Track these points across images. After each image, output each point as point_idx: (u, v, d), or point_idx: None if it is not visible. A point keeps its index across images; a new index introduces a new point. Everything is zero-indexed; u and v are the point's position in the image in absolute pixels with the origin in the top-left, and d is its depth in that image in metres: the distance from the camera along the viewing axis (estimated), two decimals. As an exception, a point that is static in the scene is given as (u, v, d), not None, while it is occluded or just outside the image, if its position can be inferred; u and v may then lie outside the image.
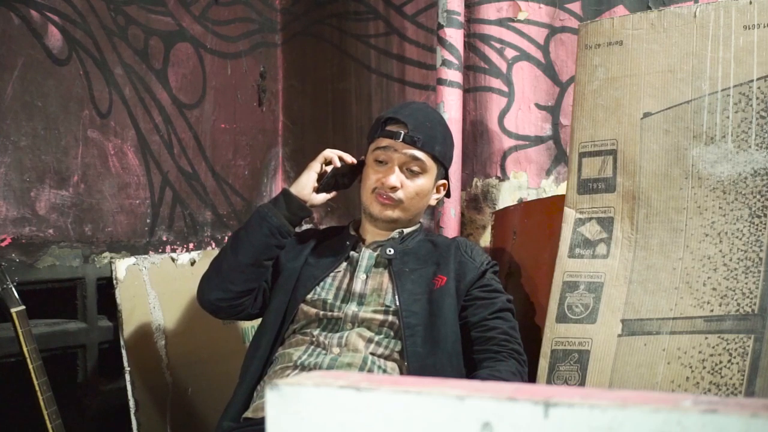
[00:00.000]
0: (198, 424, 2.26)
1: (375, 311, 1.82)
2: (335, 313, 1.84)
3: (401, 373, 1.80)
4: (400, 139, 1.88)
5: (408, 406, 0.66)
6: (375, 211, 1.93)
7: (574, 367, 1.78)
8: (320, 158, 1.95)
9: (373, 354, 1.78)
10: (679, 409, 0.59)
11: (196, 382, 2.25)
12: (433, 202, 2.02)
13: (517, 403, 0.63)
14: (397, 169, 1.90)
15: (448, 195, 2.06)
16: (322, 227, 2.66)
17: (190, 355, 2.22)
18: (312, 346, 1.81)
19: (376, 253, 1.92)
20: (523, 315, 2.15)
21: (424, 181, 1.92)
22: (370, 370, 1.76)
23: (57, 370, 1.94)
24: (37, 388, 1.71)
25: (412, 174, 1.91)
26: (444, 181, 2.01)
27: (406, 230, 1.96)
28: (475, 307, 1.86)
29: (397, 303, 1.81)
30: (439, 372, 1.76)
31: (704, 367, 1.65)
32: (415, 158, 1.89)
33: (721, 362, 1.63)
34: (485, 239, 2.38)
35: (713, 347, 1.65)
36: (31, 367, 1.71)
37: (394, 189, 1.89)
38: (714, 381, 1.63)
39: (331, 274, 1.90)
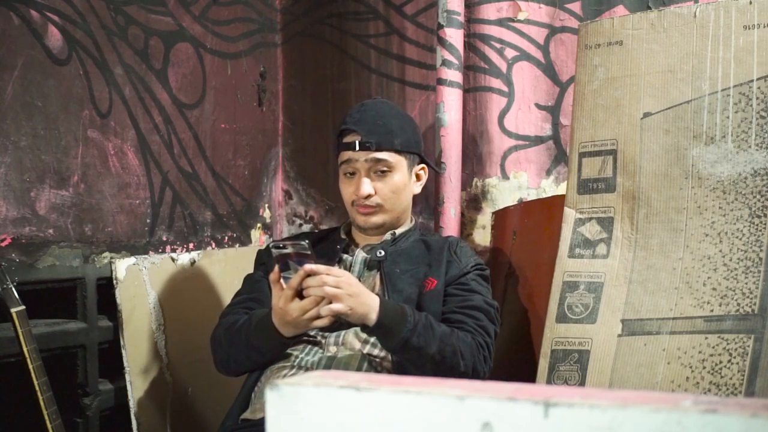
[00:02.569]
0: (198, 424, 2.26)
1: None
2: None
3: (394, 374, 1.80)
4: (357, 149, 1.88)
5: (408, 406, 0.66)
6: (360, 222, 1.94)
7: (574, 367, 1.78)
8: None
9: (369, 354, 1.78)
10: (679, 409, 0.59)
11: (196, 382, 2.25)
12: (417, 191, 2.02)
13: (517, 403, 0.63)
14: (364, 178, 1.90)
15: (437, 171, 2.04)
16: (322, 227, 2.66)
17: (190, 355, 2.22)
18: (309, 346, 1.81)
19: (368, 256, 1.92)
20: (523, 315, 2.15)
21: (396, 178, 1.93)
22: (367, 370, 1.76)
23: (57, 370, 1.94)
24: (37, 388, 1.71)
25: (381, 175, 1.91)
26: (422, 166, 2.01)
27: (398, 231, 1.96)
28: (446, 303, 1.85)
29: None
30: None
31: (704, 367, 1.65)
32: (378, 160, 1.90)
33: (721, 362, 1.63)
34: (485, 239, 2.38)
35: (713, 347, 1.65)
36: (31, 367, 1.71)
37: (369, 197, 1.90)
38: (714, 381, 1.63)
39: None
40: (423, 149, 2.04)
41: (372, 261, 1.91)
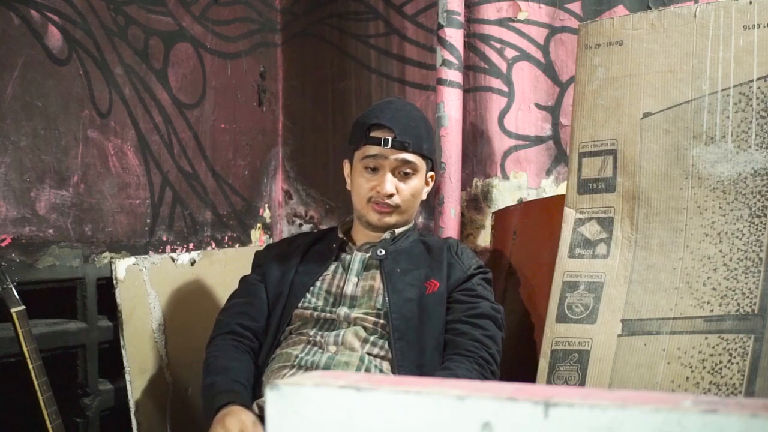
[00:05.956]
0: (198, 424, 2.26)
1: (366, 313, 1.82)
2: (329, 315, 1.84)
3: (394, 374, 1.80)
4: (389, 146, 1.87)
5: (408, 406, 0.66)
6: (374, 220, 1.92)
7: (574, 367, 1.78)
8: None
9: (369, 354, 1.78)
10: (679, 409, 0.59)
11: (196, 382, 2.24)
12: (424, 197, 2.02)
13: (517, 403, 0.63)
14: (389, 174, 1.89)
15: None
16: (322, 227, 2.66)
17: (190, 355, 2.22)
18: (309, 345, 1.81)
19: (367, 255, 1.92)
20: (523, 315, 2.15)
21: (416, 182, 1.93)
22: (367, 369, 1.76)
23: (57, 370, 1.94)
24: (37, 388, 1.71)
25: (405, 176, 1.91)
26: (432, 173, 2.02)
27: (398, 230, 1.96)
28: (452, 310, 1.84)
29: (387, 306, 1.81)
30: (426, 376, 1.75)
31: (704, 367, 1.65)
32: (407, 161, 1.89)
33: (721, 362, 1.63)
34: (485, 239, 2.38)
35: (713, 347, 1.65)
36: (31, 367, 1.71)
37: (390, 196, 1.89)
38: (714, 381, 1.63)
39: (320, 278, 1.90)
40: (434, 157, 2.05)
41: (372, 260, 1.90)
